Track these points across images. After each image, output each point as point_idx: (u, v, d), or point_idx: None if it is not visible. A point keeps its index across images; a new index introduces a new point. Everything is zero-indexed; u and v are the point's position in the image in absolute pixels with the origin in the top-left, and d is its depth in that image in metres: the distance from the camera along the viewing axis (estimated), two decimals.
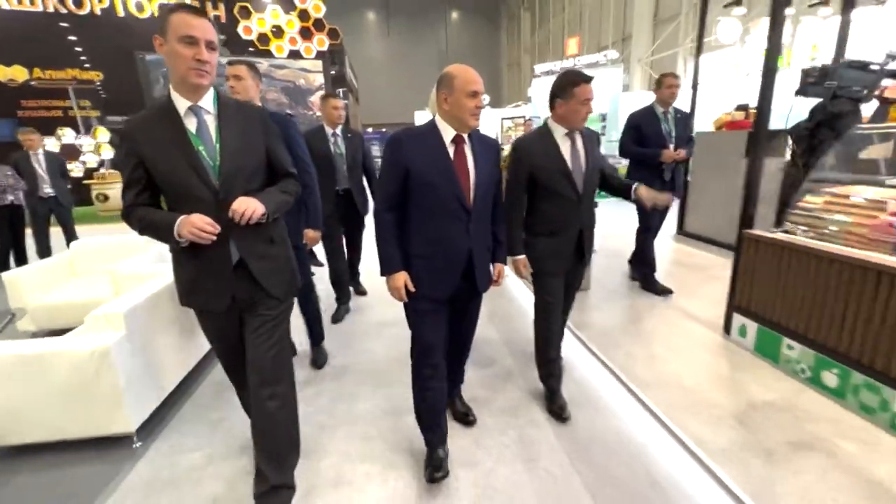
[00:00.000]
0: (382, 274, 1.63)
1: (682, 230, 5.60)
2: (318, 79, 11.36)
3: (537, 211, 2.01)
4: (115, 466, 1.86)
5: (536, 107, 13.48)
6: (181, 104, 1.33)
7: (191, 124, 1.35)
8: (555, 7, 23.49)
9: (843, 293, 2.07)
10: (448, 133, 1.58)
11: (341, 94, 15.01)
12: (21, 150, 4.71)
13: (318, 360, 2.70)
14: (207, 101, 1.37)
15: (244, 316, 1.54)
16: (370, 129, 22.38)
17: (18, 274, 3.13)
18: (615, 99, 10.66)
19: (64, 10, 9.92)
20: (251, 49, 10.63)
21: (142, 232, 1.39)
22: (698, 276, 4.00)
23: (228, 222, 1.36)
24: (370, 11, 28.01)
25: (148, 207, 1.39)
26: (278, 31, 10.81)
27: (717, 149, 5.07)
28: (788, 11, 5.47)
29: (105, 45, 10.33)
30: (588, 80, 1.85)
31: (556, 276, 2.07)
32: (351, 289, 3.70)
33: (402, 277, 1.61)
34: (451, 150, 1.58)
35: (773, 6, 2.82)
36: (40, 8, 9.74)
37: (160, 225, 1.35)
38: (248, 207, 1.35)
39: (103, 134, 10.71)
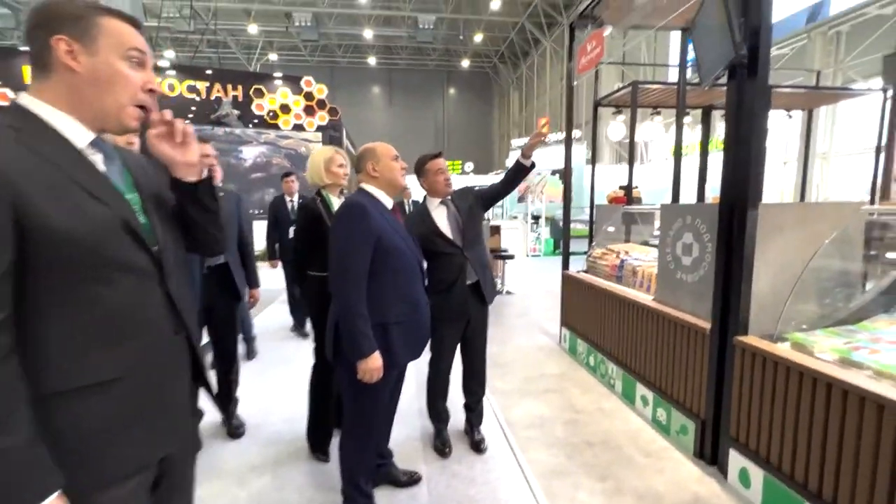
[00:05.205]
0: (360, 357, 1.53)
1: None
2: (318, 147, 13.37)
3: (431, 274, 2.16)
4: None
5: None
6: (79, 134, 0.82)
7: (98, 163, 0.85)
8: (538, 89, 26.67)
9: (599, 307, 3.39)
10: (387, 201, 1.70)
11: None
12: None
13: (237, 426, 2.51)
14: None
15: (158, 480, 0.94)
16: None
17: None
18: (580, 170, 12.67)
19: None
20: (259, 122, 12.67)
21: None
22: None
23: (185, 307, 0.92)
24: (375, 86, 31.63)
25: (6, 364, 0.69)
26: (286, 108, 12.87)
27: (609, 215, 6.61)
28: (658, 119, 7.29)
29: None
30: (435, 155, 2.23)
31: (445, 336, 2.27)
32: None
33: (378, 355, 1.56)
34: None
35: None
36: None
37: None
38: None
39: None
